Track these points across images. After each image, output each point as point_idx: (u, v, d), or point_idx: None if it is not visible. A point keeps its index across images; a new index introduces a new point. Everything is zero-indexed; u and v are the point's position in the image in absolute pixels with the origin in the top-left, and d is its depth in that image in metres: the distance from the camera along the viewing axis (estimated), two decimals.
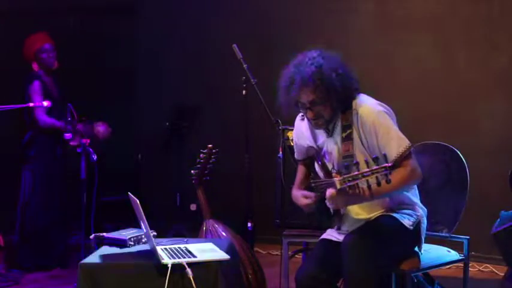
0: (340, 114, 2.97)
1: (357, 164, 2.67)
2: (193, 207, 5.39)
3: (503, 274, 3.74)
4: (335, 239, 3.08)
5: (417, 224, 3.04)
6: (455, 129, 4.98)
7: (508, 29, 4.91)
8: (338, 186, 2.71)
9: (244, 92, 3.97)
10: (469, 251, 3.39)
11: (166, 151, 5.43)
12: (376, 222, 3.00)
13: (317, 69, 2.87)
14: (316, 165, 3.09)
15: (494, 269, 4.75)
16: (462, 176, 3.38)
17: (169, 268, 2.83)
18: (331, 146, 3.04)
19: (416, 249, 3.12)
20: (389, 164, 2.58)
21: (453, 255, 3.36)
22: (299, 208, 3.79)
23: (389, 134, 2.88)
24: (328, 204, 2.87)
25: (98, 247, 3.37)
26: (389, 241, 2.96)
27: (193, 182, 3.97)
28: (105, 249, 3.27)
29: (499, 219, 3.74)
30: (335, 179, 2.73)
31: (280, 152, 3.82)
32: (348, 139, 2.93)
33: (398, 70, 5.32)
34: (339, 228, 3.10)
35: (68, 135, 4.05)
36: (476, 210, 3.88)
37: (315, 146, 3.12)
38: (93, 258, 3.11)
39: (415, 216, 3.03)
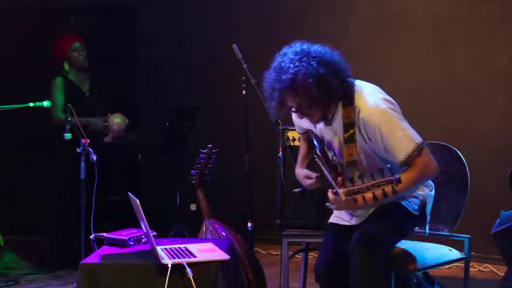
0: (340, 107, 2.86)
1: (362, 176, 2.60)
2: (193, 207, 5.37)
3: (503, 274, 3.72)
4: (342, 222, 3.09)
5: (423, 207, 3.03)
6: (455, 129, 4.97)
7: (508, 29, 4.90)
8: (343, 198, 2.59)
9: (244, 92, 3.96)
10: (470, 250, 3.39)
11: (167, 151, 5.41)
12: (385, 212, 2.93)
13: (293, 77, 2.77)
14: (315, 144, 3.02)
15: (494, 269, 4.74)
16: (462, 176, 3.38)
17: (169, 268, 2.84)
18: (331, 135, 2.97)
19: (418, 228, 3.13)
20: (396, 177, 2.48)
21: (454, 254, 3.36)
22: (299, 208, 3.81)
23: (395, 135, 2.77)
24: (330, 205, 2.77)
25: (97, 247, 3.37)
26: (398, 232, 2.98)
27: (193, 182, 3.97)
28: (105, 249, 3.28)
29: (499, 219, 3.73)
30: (339, 190, 2.60)
31: (280, 152, 3.82)
32: (351, 141, 2.82)
33: (398, 70, 5.32)
34: None
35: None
36: (476, 210, 3.87)
37: (314, 130, 3.08)
38: (93, 258, 3.12)
39: (420, 198, 3.01)
